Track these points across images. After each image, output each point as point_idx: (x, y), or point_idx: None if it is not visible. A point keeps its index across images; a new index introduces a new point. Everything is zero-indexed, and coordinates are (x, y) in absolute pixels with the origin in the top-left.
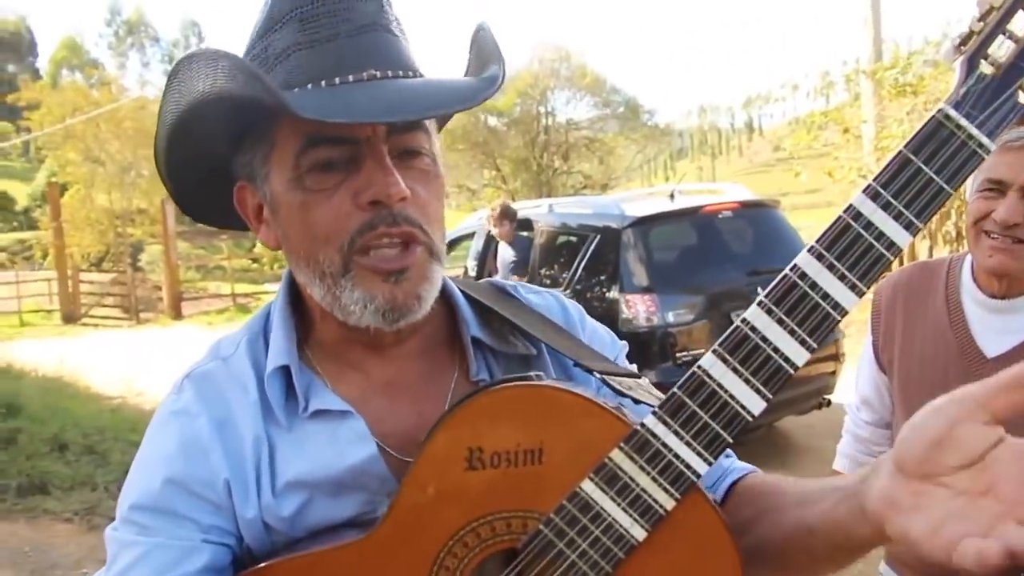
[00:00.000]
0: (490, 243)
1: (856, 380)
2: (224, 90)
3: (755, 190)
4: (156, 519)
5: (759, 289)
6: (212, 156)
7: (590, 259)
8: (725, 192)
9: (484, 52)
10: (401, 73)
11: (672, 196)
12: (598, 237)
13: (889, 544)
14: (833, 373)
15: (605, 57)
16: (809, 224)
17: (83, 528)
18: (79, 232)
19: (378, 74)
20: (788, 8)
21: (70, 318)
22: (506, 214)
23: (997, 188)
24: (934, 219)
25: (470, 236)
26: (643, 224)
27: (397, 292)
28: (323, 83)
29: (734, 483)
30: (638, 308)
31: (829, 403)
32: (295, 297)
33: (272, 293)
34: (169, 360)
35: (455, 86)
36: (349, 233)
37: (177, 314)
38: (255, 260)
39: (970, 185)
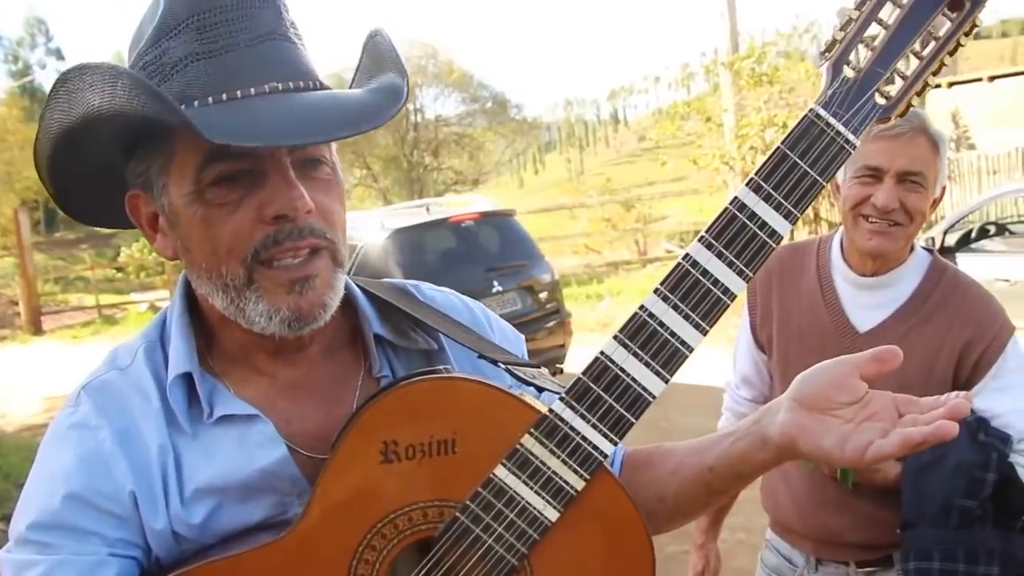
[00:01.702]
0: None
1: (734, 359)
2: (124, 107)
3: (623, 180)
4: (57, 536)
5: (495, 282)
6: (101, 163)
7: (360, 263)
8: (472, 204)
9: (380, 59)
10: (302, 84)
11: (428, 209)
12: (365, 246)
13: (789, 462)
14: (562, 346)
15: (471, 53)
16: (677, 211)
17: None
18: None
19: (280, 86)
20: (648, 2)
21: None
22: None
23: (873, 175)
24: None
25: None
26: (400, 234)
27: (302, 302)
28: (224, 96)
29: (623, 456)
30: None
31: (562, 371)
32: (191, 304)
33: (138, 303)
34: (33, 378)
35: (360, 103)
36: (252, 246)
37: (37, 329)
38: (119, 269)
39: (843, 172)
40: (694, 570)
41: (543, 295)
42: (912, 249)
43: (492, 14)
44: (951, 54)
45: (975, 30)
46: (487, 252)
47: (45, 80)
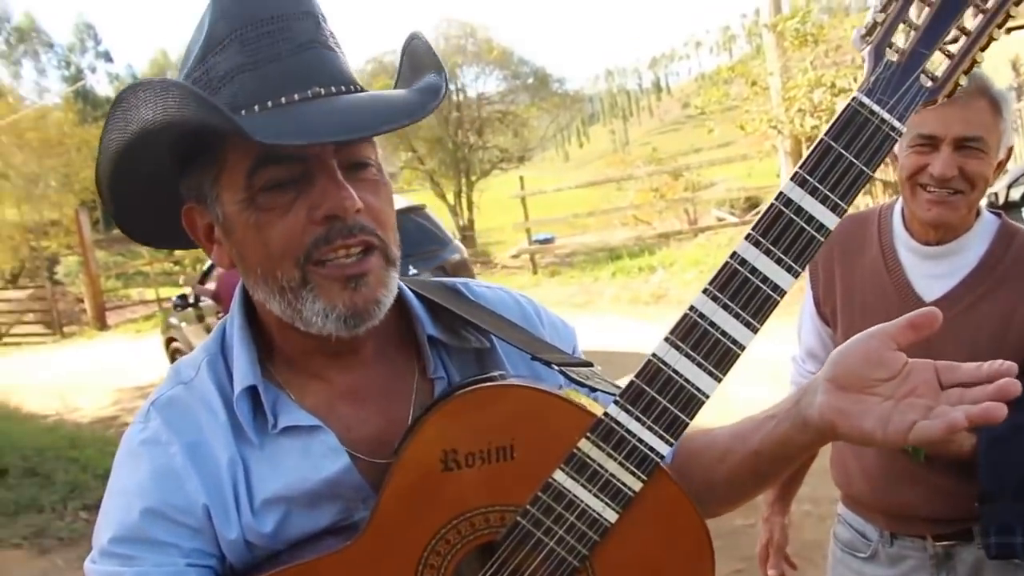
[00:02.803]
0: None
1: (799, 333)
2: (176, 117)
3: (668, 149)
4: (138, 549)
5: (411, 267)
6: (158, 181)
7: None
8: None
9: (419, 61)
10: (344, 88)
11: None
12: None
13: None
14: None
15: (510, 29)
16: (726, 178)
17: (34, 552)
18: None
19: (322, 91)
20: None
21: None
22: None
23: (929, 143)
24: None
25: None
26: None
27: (357, 298)
28: (270, 103)
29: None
30: None
31: None
32: (251, 314)
33: None
34: (101, 372)
35: (401, 99)
36: (305, 247)
37: (103, 325)
38: (176, 263)
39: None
40: (760, 543)
41: (451, 273)
42: (979, 214)
43: None
44: (1000, 27)
45: None
46: (405, 241)
47: (96, 83)
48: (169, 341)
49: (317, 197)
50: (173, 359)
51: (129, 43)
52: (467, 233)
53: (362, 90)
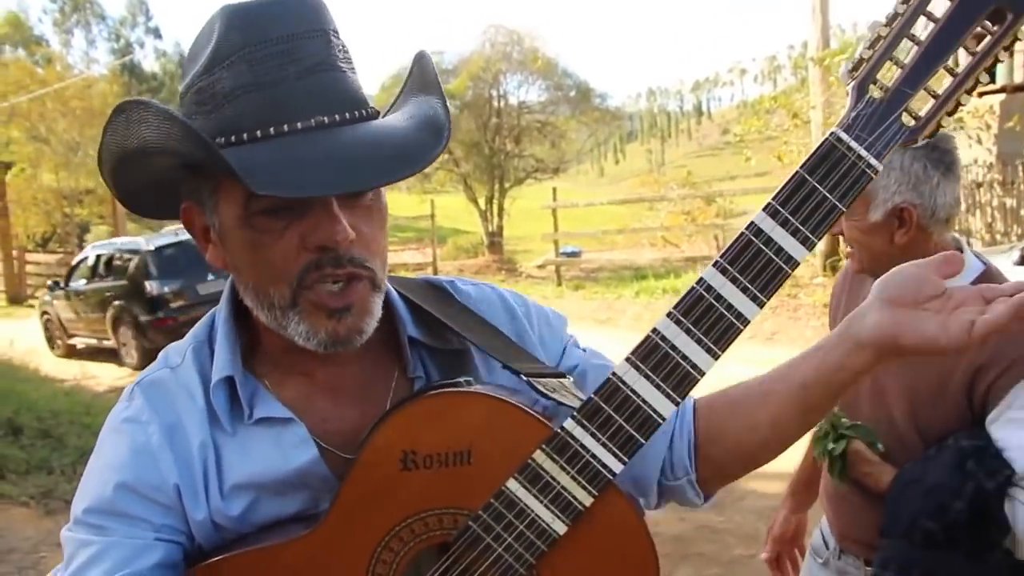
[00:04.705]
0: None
1: None
2: (176, 149)
3: (704, 173)
4: (109, 520)
5: (209, 275)
6: (158, 176)
7: (135, 271)
8: None
9: (423, 80)
10: (347, 116)
11: (176, 233)
12: (137, 257)
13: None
14: None
15: (556, 40)
16: (758, 207)
17: (40, 512)
18: (24, 212)
19: (325, 120)
20: None
21: (16, 299)
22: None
23: None
24: None
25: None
26: (157, 250)
27: (339, 328)
28: (272, 130)
29: (695, 405)
30: (155, 291)
31: None
32: (237, 308)
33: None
34: None
35: (402, 139)
36: (297, 272)
37: None
38: None
39: None
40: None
41: None
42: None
43: (579, 2)
44: (988, 71)
45: (1016, 43)
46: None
47: (143, 58)
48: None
49: (311, 225)
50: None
51: (179, 21)
52: (495, 239)
53: (367, 114)
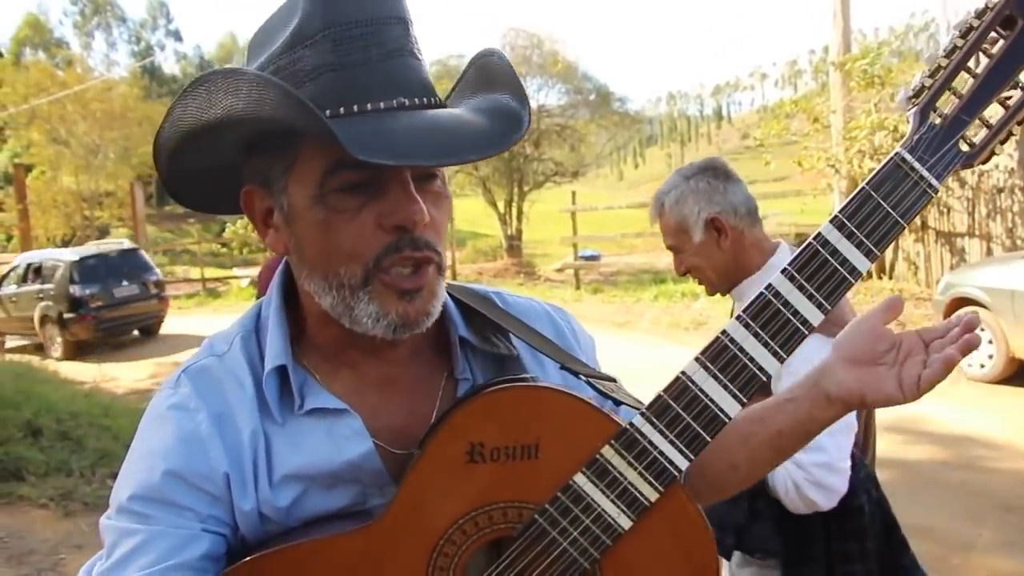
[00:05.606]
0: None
1: None
2: (269, 114)
3: None
4: (156, 509)
5: (124, 281)
6: (220, 157)
7: (61, 277)
8: (121, 244)
9: (493, 78)
10: (424, 101)
11: (98, 246)
12: (63, 265)
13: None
14: (161, 312)
15: (576, 44)
16: (778, 212)
17: (59, 514)
18: (45, 214)
19: (406, 102)
20: None
21: None
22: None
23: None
24: None
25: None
26: (80, 260)
27: (410, 309)
28: (355, 107)
29: None
30: (77, 293)
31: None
32: (288, 298)
33: (240, 278)
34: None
35: (481, 127)
36: (374, 253)
37: None
38: (224, 245)
39: None
40: None
41: (151, 287)
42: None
43: (598, 5)
44: None
45: None
46: (125, 267)
47: (163, 61)
48: None
49: (389, 206)
50: None
51: (199, 24)
52: (514, 243)
53: (440, 103)
